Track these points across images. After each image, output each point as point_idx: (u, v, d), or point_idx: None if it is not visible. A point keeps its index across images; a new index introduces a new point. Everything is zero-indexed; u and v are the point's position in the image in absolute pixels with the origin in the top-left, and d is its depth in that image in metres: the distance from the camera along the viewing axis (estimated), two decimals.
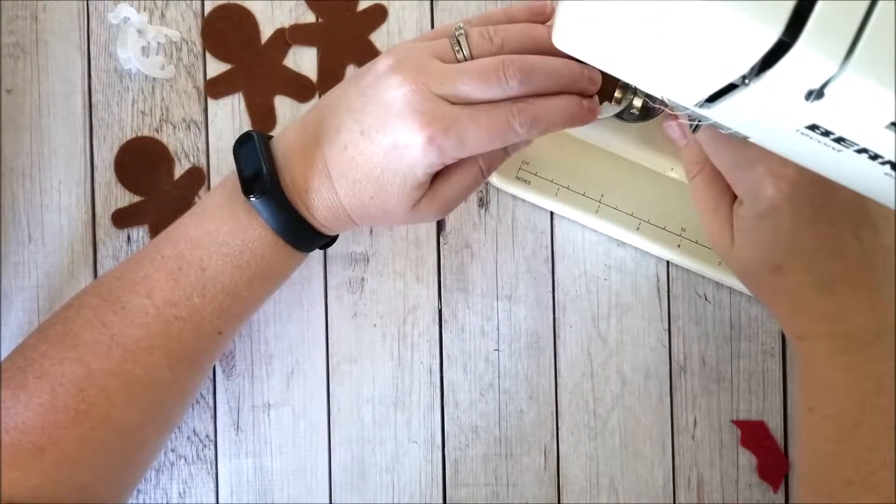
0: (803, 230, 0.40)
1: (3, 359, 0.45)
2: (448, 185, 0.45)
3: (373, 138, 0.42)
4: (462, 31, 0.43)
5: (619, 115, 0.49)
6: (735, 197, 0.43)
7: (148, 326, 0.43)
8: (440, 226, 0.55)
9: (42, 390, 0.42)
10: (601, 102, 0.45)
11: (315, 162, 0.43)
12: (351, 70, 0.55)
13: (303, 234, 0.45)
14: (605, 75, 0.44)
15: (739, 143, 0.39)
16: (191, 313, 0.44)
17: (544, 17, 0.45)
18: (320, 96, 0.55)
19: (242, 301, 0.45)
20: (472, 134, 0.41)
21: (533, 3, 0.46)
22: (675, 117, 0.44)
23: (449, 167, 0.44)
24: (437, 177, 0.44)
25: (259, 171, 0.43)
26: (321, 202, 0.44)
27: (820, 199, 0.40)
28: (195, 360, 0.46)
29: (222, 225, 0.44)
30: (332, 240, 0.49)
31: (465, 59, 0.42)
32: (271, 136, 0.46)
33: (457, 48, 0.43)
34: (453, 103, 0.41)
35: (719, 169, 0.42)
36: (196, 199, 0.54)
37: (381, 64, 0.43)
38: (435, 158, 0.42)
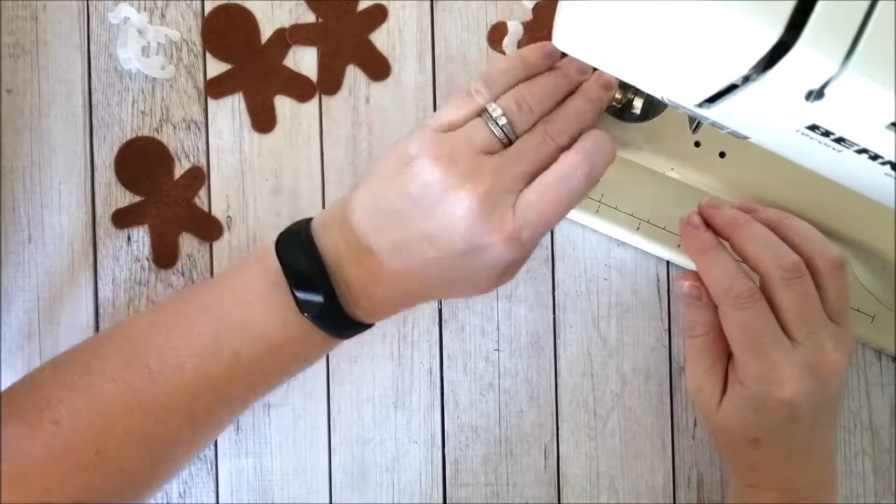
0: (791, 420, 0.44)
1: (17, 381, 0.44)
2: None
3: (444, 248, 0.41)
4: (497, 109, 0.41)
5: (618, 115, 0.49)
6: (730, 356, 0.45)
7: (174, 395, 0.42)
8: None
9: (57, 436, 0.40)
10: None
11: (375, 273, 0.42)
12: (351, 70, 0.55)
13: (354, 331, 0.44)
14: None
15: (760, 320, 0.43)
16: (220, 388, 0.43)
17: (557, 56, 0.43)
18: (320, 96, 0.55)
19: (277, 379, 0.45)
20: (544, 213, 0.40)
21: (544, 44, 0.43)
22: (692, 276, 0.45)
23: None
24: None
25: (309, 282, 0.42)
26: (385, 309, 0.44)
27: (816, 405, 0.44)
28: (219, 425, 0.45)
29: (266, 318, 0.42)
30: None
31: (510, 141, 0.41)
32: (309, 221, 0.44)
33: (500, 134, 0.41)
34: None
35: (730, 339, 0.44)
36: (196, 200, 0.54)
37: (424, 169, 0.40)
38: (516, 255, 0.41)
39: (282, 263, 0.42)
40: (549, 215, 0.40)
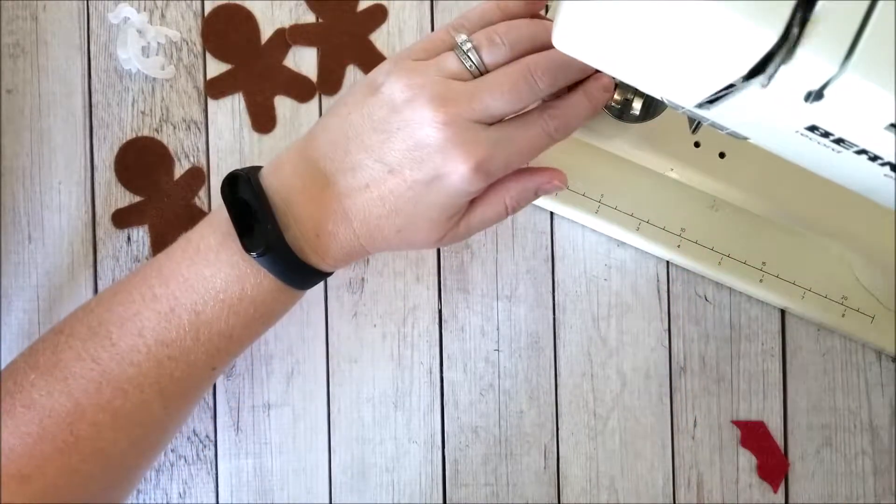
0: None
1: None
2: (475, 213, 0.43)
3: (405, 176, 0.40)
4: (468, 42, 0.40)
5: (618, 116, 0.49)
6: None
7: (139, 365, 0.42)
8: None
9: (31, 420, 0.40)
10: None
11: (327, 205, 0.41)
12: (351, 70, 0.55)
13: (308, 278, 0.43)
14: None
15: None
16: (183, 353, 0.42)
17: (539, 7, 0.43)
18: (320, 96, 0.55)
19: (238, 341, 0.44)
20: (515, 151, 0.40)
21: None
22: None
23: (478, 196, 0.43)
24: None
25: (256, 222, 0.41)
26: (336, 245, 0.42)
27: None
28: (188, 395, 0.45)
29: (218, 272, 0.42)
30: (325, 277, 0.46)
31: (480, 73, 0.40)
32: (259, 168, 0.44)
33: (469, 63, 0.40)
34: (487, 124, 0.40)
35: None
36: (196, 200, 0.54)
37: (394, 93, 0.40)
38: (481, 184, 0.40)
39: (225, 202, 0.42)
40: (516, 153, 0.40)
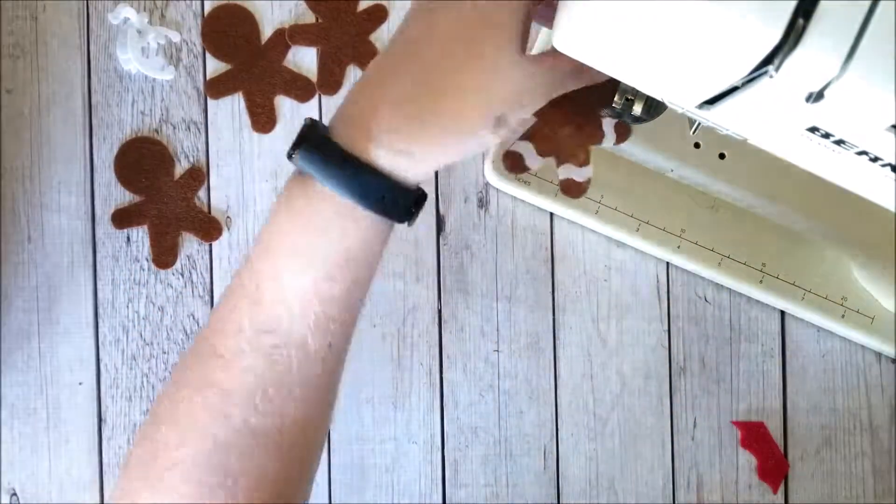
0: None
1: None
2: (554, 62, 0.36)
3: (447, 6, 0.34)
4: None
5: (619, 116, 0.49)
6: None
7: (252, 369, 0.37)
8: (440, 226, 0.55)
9: (179, 479, 0.37)
10: (600, 110, 0.41)
11: (371, 79, 0.36)
12: (351, 70, 0.55)
13: (371, 187, 0.35)
14: (598, 87, 0.41)
15: None
16: (286, 335, 0.37)
17: None
18: (320, 96, 0.55)
19: (339, 300, 0.37)
20: None
21: None
22: None
23: None
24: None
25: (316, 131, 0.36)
26: (386, 122, 0.35)
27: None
28: (316, 387, 0.39)
29: (287, 224, 0.36)
30: (415, 199, 0.37)
31: None
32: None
33: None
34: None
35: None
36: (196, 200, 0.54)
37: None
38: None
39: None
40: None
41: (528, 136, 0.37)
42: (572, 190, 0.37)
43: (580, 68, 0.35)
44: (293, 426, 0.38)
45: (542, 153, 0.37)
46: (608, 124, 0.37)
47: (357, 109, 0.36)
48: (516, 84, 0.35)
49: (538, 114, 0.38)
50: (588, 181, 0.37)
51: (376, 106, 0.35)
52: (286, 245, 0.37)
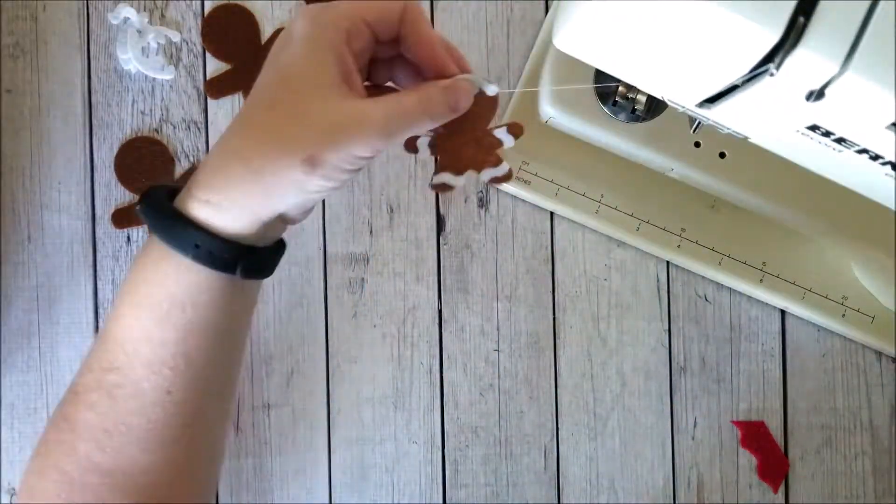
0: None
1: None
2: (391, 100, 0.36)
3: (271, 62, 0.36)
4: None
5: (619, 116, 0.49)
6: None
7: (96, 406, 0.38)
8: (440, 226, 0.55)
9: None
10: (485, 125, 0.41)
11: (223, 134, 0.38)
12: None
13: (184, 235, 0.36)
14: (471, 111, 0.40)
15: None
16: (124, 374, 0.38)
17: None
18: None
19: (172, 345, 0.38)
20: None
21: None
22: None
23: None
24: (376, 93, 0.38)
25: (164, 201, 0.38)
26: (202, 176, 0.36)
27: None
28: (158, 434, 0.39)
29: (132, 268, 0.38)
30: (239, 251, 0.37)
31: None
32: None
33: None
34: None
35: None
36: None
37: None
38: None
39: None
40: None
41: (440, 168, 0.41)
42: (501, 181, 0.42)
43: (426, 107, 0.36)
44: (133, 468, 0.38)
45: (459, 173, 0.41)
46: (500, 132, 0.41)
47: (199, 166, 0.38)
48: (325, 123, 0.35)
49: (439, 148, 0.40)
50: (510, 170, 0.42)
51: (206, 161, 0.37)
52: (126, 288, 0.39)
